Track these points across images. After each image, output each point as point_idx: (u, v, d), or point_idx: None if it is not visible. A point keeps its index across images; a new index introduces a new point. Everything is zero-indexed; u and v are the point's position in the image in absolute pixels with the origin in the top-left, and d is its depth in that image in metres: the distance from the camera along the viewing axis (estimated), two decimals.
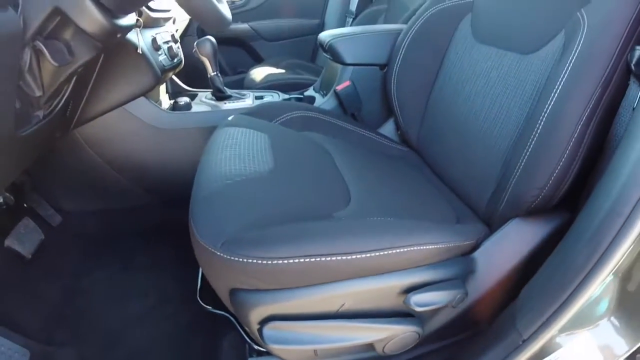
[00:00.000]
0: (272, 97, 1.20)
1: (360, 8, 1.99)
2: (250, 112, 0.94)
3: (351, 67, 1.09)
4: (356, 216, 0.65)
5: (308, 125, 0.95)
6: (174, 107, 1.10)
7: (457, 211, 0.79)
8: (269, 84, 1.43)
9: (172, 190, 1.14)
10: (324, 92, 1.20)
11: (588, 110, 0.61)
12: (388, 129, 1.11)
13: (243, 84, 1.57)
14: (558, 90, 0.64)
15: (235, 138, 0.80)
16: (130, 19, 0.78)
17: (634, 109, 0.60)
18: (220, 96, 1.14)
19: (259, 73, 1.54)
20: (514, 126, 0.75)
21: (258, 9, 2.00)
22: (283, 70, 1.63)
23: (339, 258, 0.55)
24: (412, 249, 0.60)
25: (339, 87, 1.07)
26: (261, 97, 1.19)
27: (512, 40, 0.83)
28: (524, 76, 0.77)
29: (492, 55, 0.86)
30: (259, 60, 2.02)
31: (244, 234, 0.55)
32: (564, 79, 0.64)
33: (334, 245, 0.56)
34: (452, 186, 0.88)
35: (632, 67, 0.59)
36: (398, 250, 0.59)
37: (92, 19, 0.64)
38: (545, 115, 0.65)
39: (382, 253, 0.58)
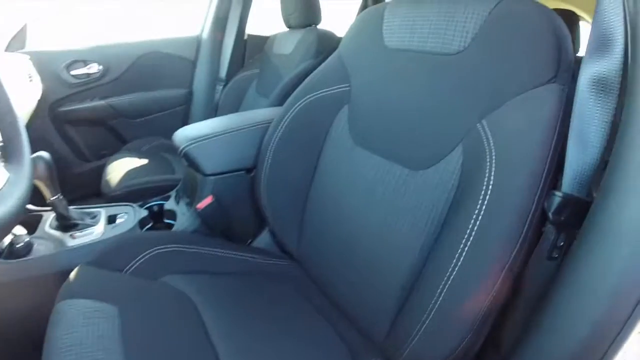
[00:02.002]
0: (127, 214, 1.05)
1: (231, 74, 1.90)
2: (97, 262, 0.80)
3: (213, 177, 0.97)
4: None
5: (167, 266, 0.83)
6: (10, 252, 0.90)
7: (350, 345, 0.71)
8: (126, 191, 1.29)
9: (24, 339, 0.94)
10: (187, 200, 1.08)
11: (504, 271, 0.53)
12: (264, 239, 1.03)
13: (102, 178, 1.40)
14: (464, 252, 0.55)
15: (77, 335, 0.63)
16: None
17: (550, 257, 0.55)
18: (65, 224, 0.98)
19: (116, 172, 1.37)
20: (408, 258, 0.66)
21: (116, 82, 1.79)
22: (146, 161, 1.47)
23: None
24: None
25: (200, 206, 0.95)
26: (114, 218, 1.04)
27: (397, 151, 0.73)
28: (416, 198, 0.67)
29: (376, 166, 0.75)
30: (123, 141, 1.83)
31: None
32: (471, 237, 0.55)
33: None
34: (341, 308, 0.80)
35: (550, 216, 0.52)
36: None
37: None
38: (451, 278, 0.55)
39: None
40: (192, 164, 0.98)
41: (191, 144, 0.97)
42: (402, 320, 0.64)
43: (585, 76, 0.51)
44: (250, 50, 2.04)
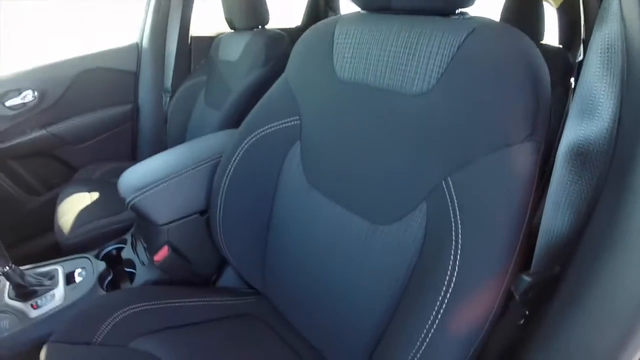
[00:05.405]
0: (85, 269, 1.02)
1: (177, 83, 1.80)
2: (64, 337, 0.78)
3: (166, 226, 0.94)
4: None
5: (134, 329, 0.83)
6: None
7: None
8: (80, 240, 1.23)
9: None
10: (144, 245, 1.05)
11: (472, 348, 0.50)
12: (229, 276, 1.02)
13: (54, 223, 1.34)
14: (435, 325, 0.50)
15: None
16: None
17: (514, 325, 0.51)
18: (23, 292, 0.97)
19: (68, 215, 1.31)
20: (376, 309, 0.62)
21: (55, 107, 1.64)
22: (97, 195, 1.41)
23: None
24: None
25: (158, 259, 0.94)
26: (72, 276, 1.01)
27: (356, 200, 0.67)
28: (378, 255, 0.62)
29: (334, 215, 0.70)
30: (72, 169, 1.73)
31: None
32: (439, 316, 0.50)
33: None
34: (314, 347, 0.80)
35: (517, 297, 0.47)
36: None
37: None
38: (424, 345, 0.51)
39: None
40: (142, 216, 0.94)
41: (138, 195, 0.90)
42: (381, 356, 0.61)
43: (566, 143, 0.44)
44: (196, 54, 1.94)
